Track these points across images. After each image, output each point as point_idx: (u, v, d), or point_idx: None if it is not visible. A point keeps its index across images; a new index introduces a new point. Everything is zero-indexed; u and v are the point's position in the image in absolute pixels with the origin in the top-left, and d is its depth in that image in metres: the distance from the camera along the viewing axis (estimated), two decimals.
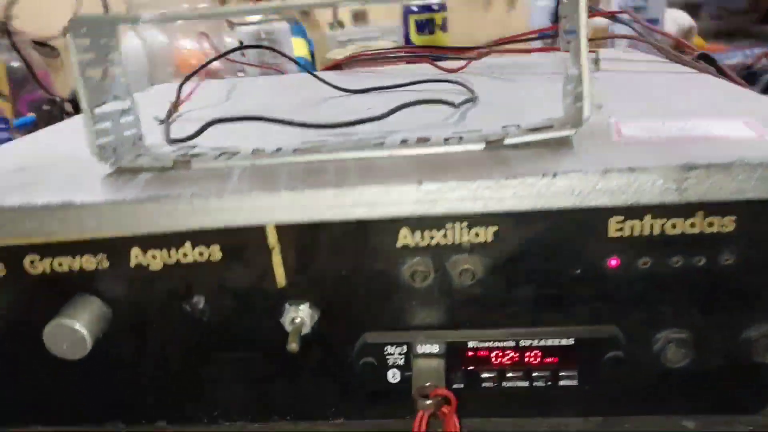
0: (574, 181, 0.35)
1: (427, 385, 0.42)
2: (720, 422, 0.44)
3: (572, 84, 0.42)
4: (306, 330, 0.44)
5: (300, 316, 0.44)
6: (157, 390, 0.48)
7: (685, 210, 0.39)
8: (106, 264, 0.44)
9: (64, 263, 0.44)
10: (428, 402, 0.41)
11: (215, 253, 0.43)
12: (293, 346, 0.43)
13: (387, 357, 0.45)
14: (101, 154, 0.44)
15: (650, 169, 0.35)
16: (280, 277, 0.44)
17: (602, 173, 0.35)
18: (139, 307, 0.45)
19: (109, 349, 0.46)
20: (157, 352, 0.47)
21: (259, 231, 0.42)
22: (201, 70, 0.83)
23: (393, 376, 0.45)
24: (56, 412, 0.49)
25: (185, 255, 0.43)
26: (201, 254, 0.43)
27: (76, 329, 0.42)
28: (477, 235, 0.41)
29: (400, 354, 0.44)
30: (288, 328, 0.44)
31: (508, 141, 0.43)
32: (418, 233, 0.42)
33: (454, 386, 0.45)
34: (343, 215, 0.38)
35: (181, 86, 0.74)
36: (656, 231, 0.40)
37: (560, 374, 0.44)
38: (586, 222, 0.40)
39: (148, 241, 0.43)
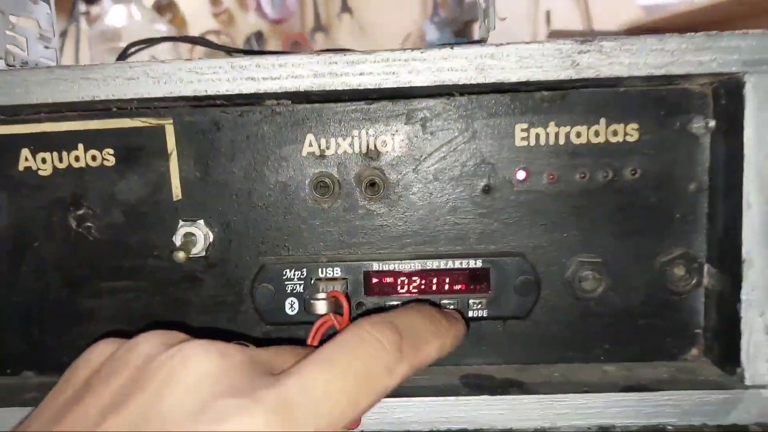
0: (469, 51, 0.35)
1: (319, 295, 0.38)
2: (643, 367, 0.41)
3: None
4: (198, 249, 0.41)
5: (194, 232, 0.41)
6: (28, 328, 0.43)
7: (588, 117, 0.39)
8: None
9: None
10: (322, 300, 0.37)
11: (108, 157, 0.41)
12: (180, 255, 0.39)
13: (286, 284, 0.41)
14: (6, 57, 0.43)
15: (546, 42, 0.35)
16: (176, 188, 0.41)
17: (494, 47, 0.35)
18: (21, 219, 0.42)
19: None
20: (34, 277, 0.42)
21: (158, 133, 0.41)
22: None
23: (291, 306, 0.41)
24: None
25: (77, 159, 0.41)
26: (94, 158, 0.41)
27: None
28: (384, 143, 0.40)
29: (299, 279, 0.41)
30: (179, 243, 0.41)
31: None
32: (323, 139, 0.40)
33: (357, 317, 0.41)
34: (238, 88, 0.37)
35: None
36: (561, 140, 0.40)
37: (470, 302, 0.40)
38: (494, 127, 0.40)
39: (40, 142, 0.41)
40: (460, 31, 1.90)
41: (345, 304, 0.37)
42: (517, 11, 2.09)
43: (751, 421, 0.37)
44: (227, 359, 0.25)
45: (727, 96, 0.37)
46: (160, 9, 1.59)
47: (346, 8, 1.93)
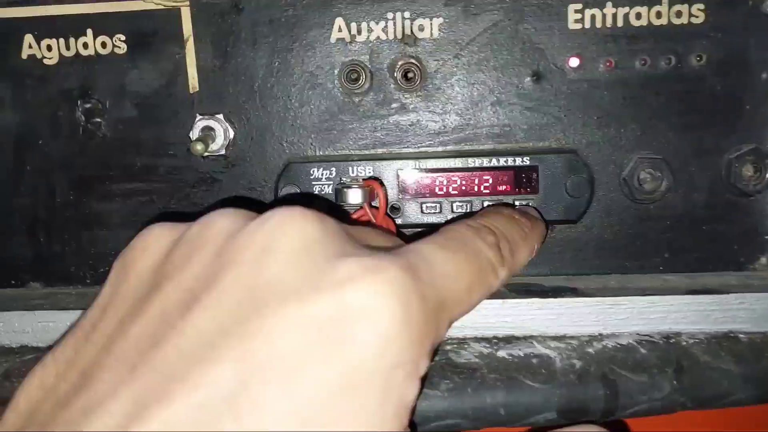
0: None
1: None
2: (707, 278, 0.37)
3: None
4: (217, 146, 0.37)
5: (213, 126, 0.37)
6: (33, 235, 0.39)
7: None
8: None
9: None
10: (356, 189, 0.34)
11: (119, 44, 0.37)
12: (198, 146, 0.36)
13: (313, 184, 0.37)
14: None
15: None
16: (193, 78, 0.38)
17: None
18: (25, 114, 0.38)
19: None
20: (38, 178, 0.39)
21: (173, 17, 0.37)
22: None
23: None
24: None
25: (85, 46, 0.37)
26: (103, 45, 0.37)
27: None
28: (421, 27, 0.37)
29: (328, 179, 0.37)
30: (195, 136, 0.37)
31: None
32: (353, 24, 0.37)
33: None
34: None
35: None
36: (619, 22, 0.36)
37: (516, 204, 0.37)
38: (543, 8, 0.36)
39: (45, 27, 0.37)
40: None
41: (381, 193, 0.34)
42: None
43: None
44: (329, 224, 0.21)
45: None
46: None
47: None
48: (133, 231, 0.39)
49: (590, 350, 0.32)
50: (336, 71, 0.37)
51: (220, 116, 0.38)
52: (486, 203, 0.37)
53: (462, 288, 0.22)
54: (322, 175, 0.37)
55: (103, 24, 0.37)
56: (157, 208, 0.39)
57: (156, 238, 0.23)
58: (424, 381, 0.21)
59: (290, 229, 0.20)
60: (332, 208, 0.36)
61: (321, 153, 0.38)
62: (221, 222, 0.21)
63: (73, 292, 0.39)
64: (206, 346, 0.17)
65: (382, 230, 0.27)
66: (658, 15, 0.35)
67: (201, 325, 0.18)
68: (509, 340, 0.34)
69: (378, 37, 0.37)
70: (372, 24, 0.37)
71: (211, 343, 0.17)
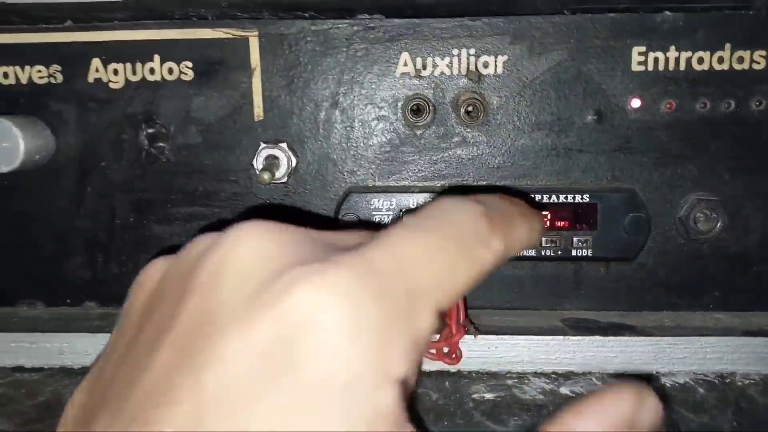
0: None
1: None
2: (759, 317, 0.38)
3: None
4: (280, 174, 0.38)
5: (276, 155, 0.38)
6: (91, 255, 0.40)
7: (712, 42, 0.36)
8: (59, 78, 0.38)
9: (11, 74, 0.38)
10: None
11: (186, 71, 0.38)
12: (265, 176, 0.36)
13: (373, 213, 0.38)
14: None
15: None
16: (258, 107, 0.38)
17: None
18: (89, 137, 0.39)
19: (43, 192, 0.39)
20: (100, 200, 0.39)
21: (241, 46, 0.37)
22: None
23: None
24: None
25: (152, 71, 0.38)
26: (170, 71, 0.38)
27: (8, 128, 0.35)
28: (486, 64, 0.37)
29: (388, 210, 0.38)
30: (259, 168, 0.38)
31: None
32: (419, 58, 0.37)
33: None
34: None
35: None
36: (682, 66, 0.36)
37: (573, 240, 0.37)
38: (607, 49, 0.36)
39: (112, 52, 0.38)
40: None
41: None
42: None
43: None
44: (286, 235, 0.19)
45: None
46: None
47: None
48: None
49: None
50: (400, 104, 0.38)
51: (284, 145, 0.38)
52: (545, 239, 0.38)
53: (440, 269, 0.19)
54: (383, 205, 0.38)
55: (171, 50, 0.38)
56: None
57: (152, 274, 0.22)
58: (417, 378, 0.20)
59: (243, 247, 0.19)
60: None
61: (381, 183, 0.39)
62: (198, 247, 0.20)
63: None
64: (166, 384, 0.17)
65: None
66: (720, 60, 0.36)
67: (163, 362, 0.18)
68: (568, 376, 0.34)
69: (443, 72, 0.37)
70: (437, 59, 0.37)
71: (170, 381, 0.17)
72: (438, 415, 0.31)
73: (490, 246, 0.21)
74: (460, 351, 0.33)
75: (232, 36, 0.37)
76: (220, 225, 0.21)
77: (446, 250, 0.20)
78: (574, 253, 0.37)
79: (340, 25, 0.37)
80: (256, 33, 0.37)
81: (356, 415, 0.16)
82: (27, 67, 0.38)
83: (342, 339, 0.16)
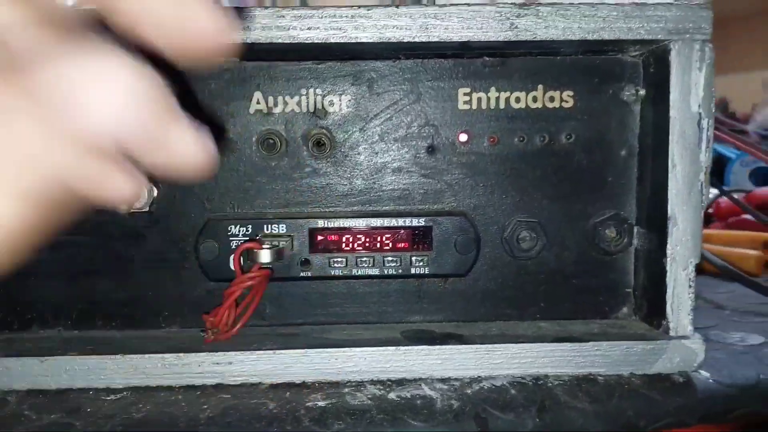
0: (414, 10, 0.36)
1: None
2: (577, 325, 0.42)
3: None
4: (142, 204, 0.41)
5: None
6: None
7: (527, 84, 0.41)
8: None
9: None
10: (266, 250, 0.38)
11: None
12: (123, 207, 0.39)
13: (230, 240, 0.41)
14: None
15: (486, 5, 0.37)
16: None
17: (438, 7, 0.37)
18: None
19: None
20: None
21: None
22: None
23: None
24: None
25: None
26: None
27: None
28: (331, 103, 0.41)
29: (244, 236, 0.41)
30: None
31: None
32: (270, 97, 0.41)
33: (302, 275, 0.41)
34: None
35: None
36: (501, 104, 0.41)
37: (412, 260, 0.41)
38: (437, 90, 0.41)
39: None
40: None
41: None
42: None
43: (674, 370, 0.39)
44: None
45: (655, 64, 0.40)
46: None
47: (304, 4, 1.93)
48: (61, 280, 0.42)
49: (468, 391, 0.37)
50: (254, 138, 0.41)
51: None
52: (387, 258, 0.41)
53: None
54: (239, 231, 0.41)
55: None
56: (84, 258, 0.42)
57: None
58: None
59: None
60: None
61: (239, 211, 0.42)
62: None
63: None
64: None
65: None
66: (534, 99, 0.41)
67: None
68: (401, 382, 0.38)
69: (293, 110, 0.41)
70: (288, 98, 0.41)
71: None
72: (269, 422, 0.34)
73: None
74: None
75: None
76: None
77: None
78: (413, 270, 0.42)
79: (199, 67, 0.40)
80: None
81: None
82: None
83: None
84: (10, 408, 0.36)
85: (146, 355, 0.38)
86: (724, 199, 0.78)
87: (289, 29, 0.37)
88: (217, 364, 0.38)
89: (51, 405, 0.36)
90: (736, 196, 0.76)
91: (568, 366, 0.39)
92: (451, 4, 0.37)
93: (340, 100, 0.41)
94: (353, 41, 0.37)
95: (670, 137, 0.38)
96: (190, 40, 0.20)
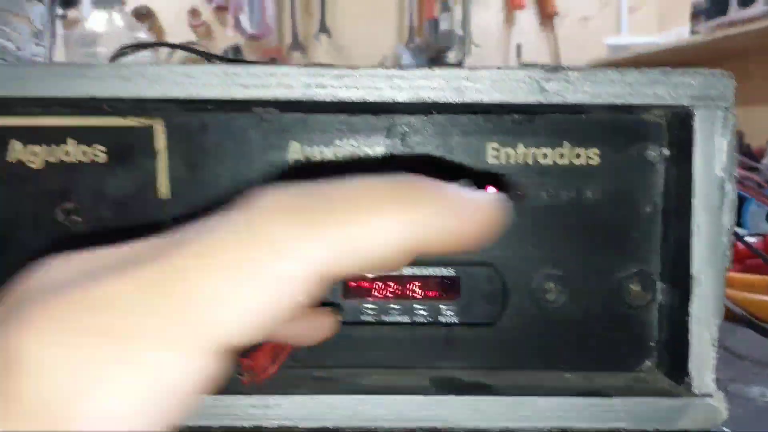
0: (447, 72, 0.38)
1: None
2: (601, 376, 0.43)
3: None
4: None
5: None
6: None
7: (554, 140, 0.42)
8: None
9: None
10: None
11: (98, 153, 0.42)
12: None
13: None
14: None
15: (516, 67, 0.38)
16: (164, 186, 0.43)
17: (470, 70, 0.38)
18: (9, 209, 0.42)
19: None
20: (16, 268, 0.43)
21: (148, 132, 0.42)
22: None
23: None
24: None
25: (67, 153, 0.42)
26: (84, 153, 0.42)
27: None
28: (366, 154, 0.43)
29: None
30: None
31: None
32: (307, 147, 0.43)
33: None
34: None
35: None
36: (529, 160, 0.43)
37: (441, 308, 0.43)
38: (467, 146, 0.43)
39: (30, 135, 0.42)
40: (434, 59, 1.95)
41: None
42: (490, 43, 2.16)
43: (697, 427, 0.39)
44: None
45: (679, 126, 0.41)
46: (138, 18, 1.60)
47: (324, 29, 1.97)
48: None
49: None
50: None
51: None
52: (416, 306, 0.43)
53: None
54: None
55: (84, 135, 0.42)
56: None
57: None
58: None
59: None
60: None
61: None
62: None
63: None
64: None
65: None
66: (561, 156, 0.43)
67: None
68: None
69: (328, 159, 0.43)
70: (323, 148, 0.43)
71: None
72: None
73: (291, 255, 0.17)
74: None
75: (139, 124, 0.42)
76: None
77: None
78: (442, 319, 0.43)
79: (238, 117, 0.42)
80: (162, 122, 0.42)
81: None
82: None
83: None
84: None
85: None
86: None
87: (328, 87, 0.39)
88: (254, 406, 0.39)
89: None
90: (753, 239, 0.77)
91: (595, 420, 0.39)
92: (483, 67, 0.39)
93: (373, 152, 0.43)
94: (389, 101, 0.39)
95: (693, 200, 0.39)
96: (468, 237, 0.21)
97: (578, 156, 0.43)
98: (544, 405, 0.40)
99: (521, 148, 0.43)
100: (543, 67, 0.38)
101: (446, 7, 1.99)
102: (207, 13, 1.88)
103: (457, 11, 2.01)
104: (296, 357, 0.44)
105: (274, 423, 0.40)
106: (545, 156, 0.43)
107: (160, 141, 0.42)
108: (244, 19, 1.82)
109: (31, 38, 0.48)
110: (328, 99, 0.39)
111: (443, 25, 1.97)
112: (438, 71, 0.38)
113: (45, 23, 0.50)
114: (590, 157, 0.43)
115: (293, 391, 0.40)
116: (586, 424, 0.40)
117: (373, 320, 0.43)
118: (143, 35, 1.28)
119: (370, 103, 0.39)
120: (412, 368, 0.44)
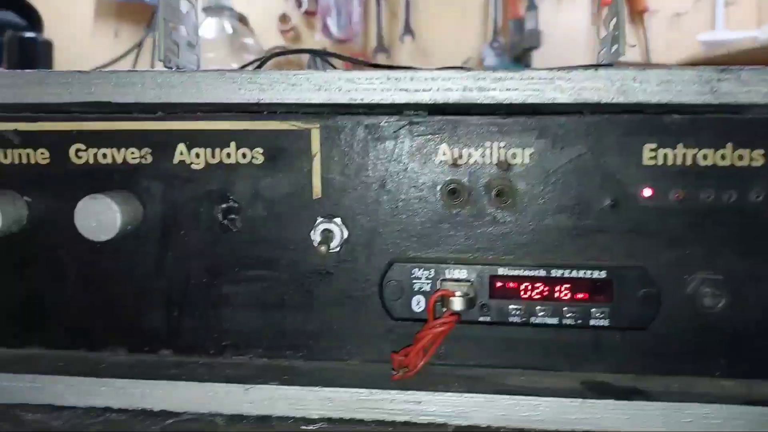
0: (613, 72, 0.38)
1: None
2: (761, 385, 0.42)
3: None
4: (333, 245, 0.44)
5: (331, 228, 0.44)
6: (168, 310, 0.46)
7: (716, 141, 0.41)
8: (149, 159, 0.45)
9: (108, 155, 0.45)
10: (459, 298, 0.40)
11: (257, 156, 0.44)
12: (323, 249, 0.42)
13: (413, 282, 0.44)
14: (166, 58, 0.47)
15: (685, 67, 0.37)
16: (317, 187, 0.44)
17: (638, 70, 0.38)
18: (172, 208, 0.45)
19: (130, 256, 0.45)
20: (178, 263, 0.46)
21: (304, 136, 0.44)
22: None
23: (417, 303, 0.44)
24: (58, 330, 0.47)
25: (228, 156, 0.44)
26: (244, 156, 0.44)
27: (109, 204, 0.42)
28: (514, 155, 0.43)
29: (427, 279, 0.43)
30: (316, 240, 0.44)
31: None
32: (456, 149, 0.43)
33: (481, 319, 0.43)
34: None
35: None
36: (688, 161, 0.41)
37: (591, 311, 0.42)
38: (622, 145, 0.42)
39: (195, 138, 0.44)
40: (519, 58, 1.92)
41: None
42: (576, 40, 2.11)
43: None
44: None
45: None
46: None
47: (408, 31, 1.97)
48: (255, 311, 0.45)
49: None
50: (439, 187, 0.44)
51: (338, 219, 0.44)
52: (565, 309, 0.42)
53: None
54: (422, 274, 0.44)
55: (245, 139, 0.44)
56: (276, 292, 0.45)
57: None
58: None
59: None
60: None
61: (421, 254, 0.44)
62: None
63: (199, 362, 0.46)
64: None
65: None
66: (723, 157, 0.41)
67: None
68: None
69: (476, 161, 0.43)
70: (472, 150, 0.43)
71: None
72: None
73: None
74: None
75: (296, 128, 0.44)
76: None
77: None
78: (592, 322, 0.42)
79: (390, 120, 0.43)
80: (318, 125, 0.44)
81: None
82: (123, 149, 0.45)
83: None
84: (218, 430, 0.40)
85: (341, 389, 0.41)
86: None
87: (489, 90, 0.39)
88: (407, 402, 0.40)
89: (254, 430, 0.40)
90: None
91: (762, 429, 0.38)
92: (648, 66, 0.38)
93: (523, 153, 0.43)
94: (550, 102, 0.39)
95: None
96: None
97: (741, 157, 0.41)
98: (706, 412, 0.38)
99: (680, 149, 0.41)
100: (713, 66, 0.37)
101: (532, 5, 1.95)
102: (296, 18, 1.93)
103: (543, 9, 1.98)
104: (439, 354, 0.44)
105: (424, 419, 0.41)
106: (705, 157, 0.41)
107: (316, 144, 0.44)
108: (332, 23, 1.86)
109: (187, 46, 0.51)
110: (486, 101, 0.39)
111: (529, 24, 1.94)
112: (602, 71, 0.38)
113: (194, 31, 0.53)
114: (754, 159, 0.41)
115: (445, 388, 0.41)
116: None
117: (520, 321, 0.43)
118: (251, 41, 1.32)
119: (529, 104, 0.39)
120: (559, 371, 0.44)
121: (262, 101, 0.40)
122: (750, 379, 0.42)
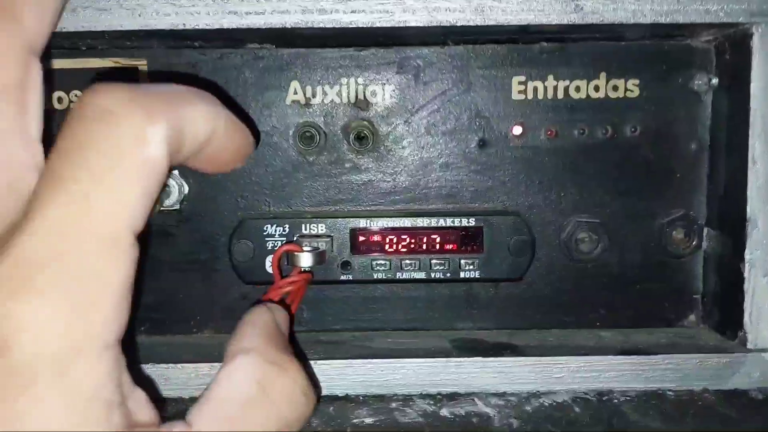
0: None
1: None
2: (640, 333, 0.39)
3: None
4: (171, 201, 0.38)
5: (167, 182, 0.38)
6: None
7: (588, 71, 0.38)
8: None
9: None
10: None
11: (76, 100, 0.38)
12: (155, 207, 0.36)
13: (266, 240, 0.38)
14: None
15: None
16: None
17: None
18: None
19: None
20: None
21: (131, 75, 0.38)
22: None
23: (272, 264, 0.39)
24: None
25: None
26: (60, 101, 0.38)
27: None
28: (374, 93, 0.38)
29: (281, 236, 0.38)
30: None
31: None
32: (308, 87, 0.38)
33: (342, 278, 0.39)
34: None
35: None
36: (560, 94, 0.38)
37: (461, 263, 0.38)
38: (489, 79, 0.38)
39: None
40: None
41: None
42: None
43: (753, 385, 0.35)
44: None
45: (731, 50, 0.36)
46: None
47: None
48: None
49: (528, 408, 0.34)
50: (291, 132, 0.38)
51: (175, 172, 0.38)
52: (434, 261, 0.38)
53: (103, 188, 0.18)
54: (276, 231, 0.38)
55: (61, 80, 0.37)
56: None
57: None
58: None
59: None
60: None
61: (275, 209, 0.39)
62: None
63: None
64: None
65: None
66: (596, 89, 0.38)
67: None
68: (453, 397, 0.35)
69: (332, 101, 0.38)
70: (327, 88, 0.38)
71: None
72: None
73: (147, 138, 0.19)
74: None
75: (121, 65, 0.37)
76: None
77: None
78: (462, 275, 0.38)
79: (230, 55, 0.38)
80: (145, 62, 0.37)
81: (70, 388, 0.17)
82: None
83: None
84: None
85: (179, 365, 0.35)
86: None
87: (331, 12, 0.34)
88: None
89: None
90: None
91: (635, 381, 0.35)
92: None
93: (383, 90, 0.38)
94: (401, 25, 0.34)
95: (751, 131, 0.34)
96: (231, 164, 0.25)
97: (615, 88, 0.38)
98: (579, 365, 0.35)
99: (551, 81, 0.38)
100: None
101: None
102: None
103: None
104: (300, 320, 0.40)
105: None
106: (578, 89, 0.38)
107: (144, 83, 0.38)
108: None
109: None
110: (330, 26, 0.34)
111: None
112: None
113: None
114: (629, 90, 0.38)
115: (302, 356, 0.36)
116: (628, 384, 0.35)
117: (386, 278, 0.38)
118: None
119: (379, 29, 0.34)
120: (429, 330, 0.40)
121: (64, 29, 0.34)
122: (627, 328, 0.39)
